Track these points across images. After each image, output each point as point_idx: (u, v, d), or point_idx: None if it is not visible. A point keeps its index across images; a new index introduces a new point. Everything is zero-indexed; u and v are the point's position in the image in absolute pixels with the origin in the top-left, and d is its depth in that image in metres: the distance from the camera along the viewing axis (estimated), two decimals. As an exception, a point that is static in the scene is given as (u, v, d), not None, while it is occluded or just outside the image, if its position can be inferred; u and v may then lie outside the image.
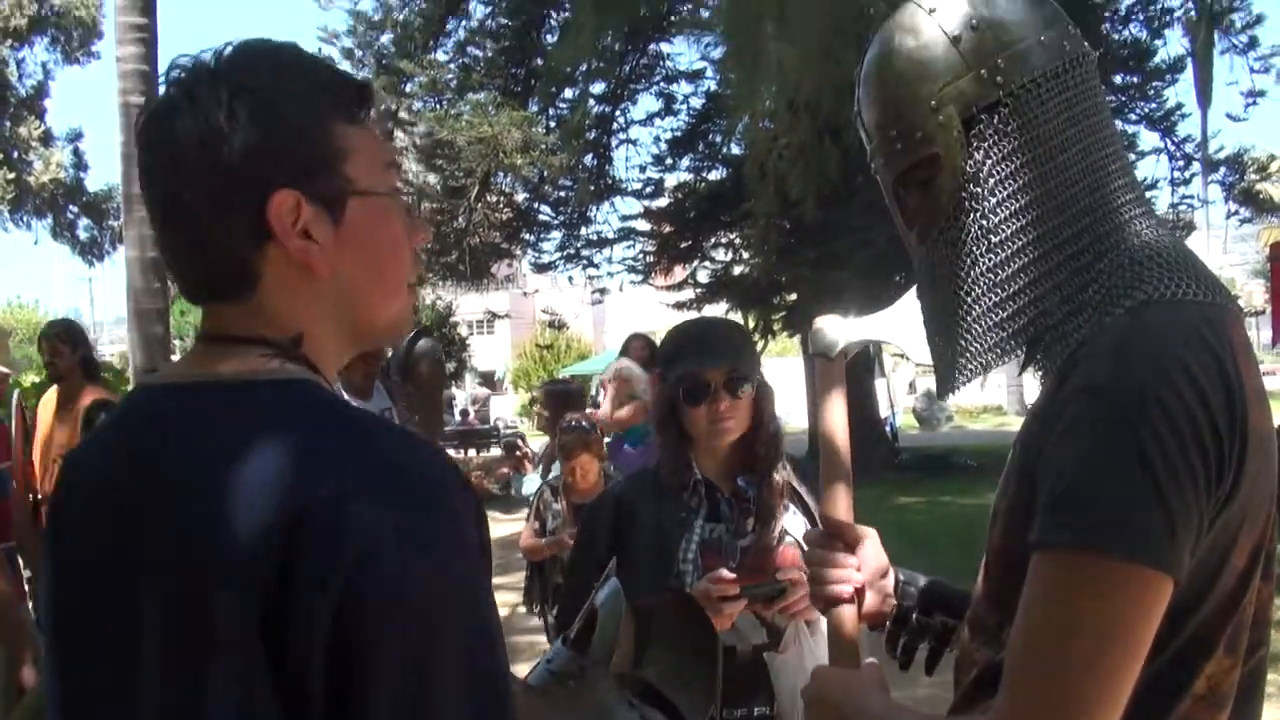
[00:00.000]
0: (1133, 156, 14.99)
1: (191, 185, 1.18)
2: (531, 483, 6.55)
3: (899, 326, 1.91)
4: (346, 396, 6.06)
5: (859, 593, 1.78)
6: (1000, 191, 1.42)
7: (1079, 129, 1.42)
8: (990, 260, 1.44)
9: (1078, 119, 1.42)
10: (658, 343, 8.55)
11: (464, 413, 24.27)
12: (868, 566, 1.80)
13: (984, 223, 1.43)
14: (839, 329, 1.95)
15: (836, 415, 1.92)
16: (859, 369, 16.27)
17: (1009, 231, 1.42)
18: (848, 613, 1.77)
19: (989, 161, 1.43)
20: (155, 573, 1.13)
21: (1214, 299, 1.32)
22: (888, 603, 1.79)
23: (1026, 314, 1.42)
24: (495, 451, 15.07)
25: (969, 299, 1.47)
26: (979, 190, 1.43)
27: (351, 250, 1.23)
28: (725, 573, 2.52)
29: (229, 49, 1.24)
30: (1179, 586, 1.23)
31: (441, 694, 1.06)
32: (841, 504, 1.86)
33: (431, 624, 1.07)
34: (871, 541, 1.82)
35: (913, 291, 1.87)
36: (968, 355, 1.49)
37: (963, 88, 1.43)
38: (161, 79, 1.25)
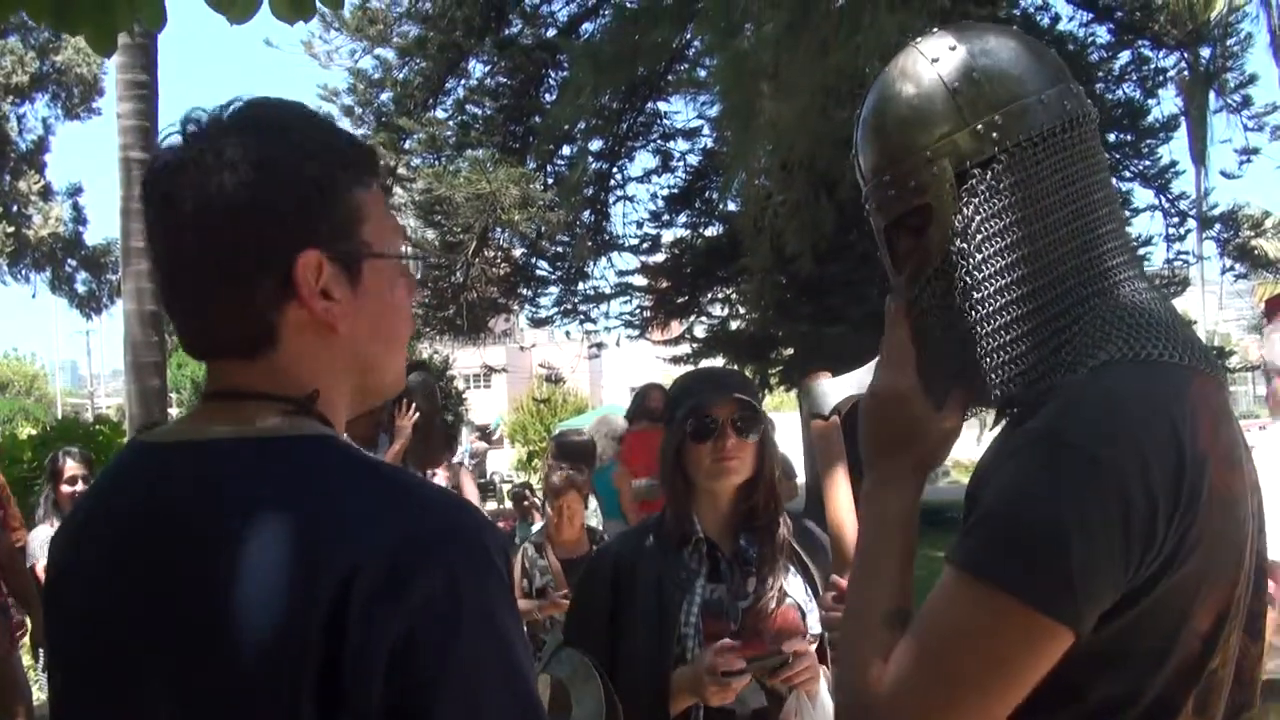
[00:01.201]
0: (1127, 214, 15.05)
1: (218, 244, 1.19)
2: (539, 533, 6.47)
3: None
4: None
5: None
6: (988, 248, 1.42)
7: (1072, 190, 1.41)
8: (974, 315, 1.43)
9: (1072, 180, 1.41)
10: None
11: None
12: None
13: (969, 279, 1.43)
14: (829, 388, 1.96)
15: (842, 495, 1.93)
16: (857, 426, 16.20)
17: (994, 288, 1.42)
18: None
19: (979, 217, 1.42)
20: (184, 631, 1.12)
21: (1184, 360, 1.31)
22: None
23: (1005, 371, 1.42)
24: (491, 505, 14.99)
25: (952, 349, 1.47)
26: (966, 245, 1.43)
27: (365, 311, 1.26)
28: (728, 641, 2.48)
29: (244, 107, 1.25)
30: (1102, 640, 1.23)
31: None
32: (846, 555, 1.86)
33: (483, 678, 1.09)
34: None
35: None
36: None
37: (958, 141, 1.43)
38: (172, 132, 1.24)
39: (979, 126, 1.41)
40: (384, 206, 1.32)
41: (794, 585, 2.68)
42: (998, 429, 1.50)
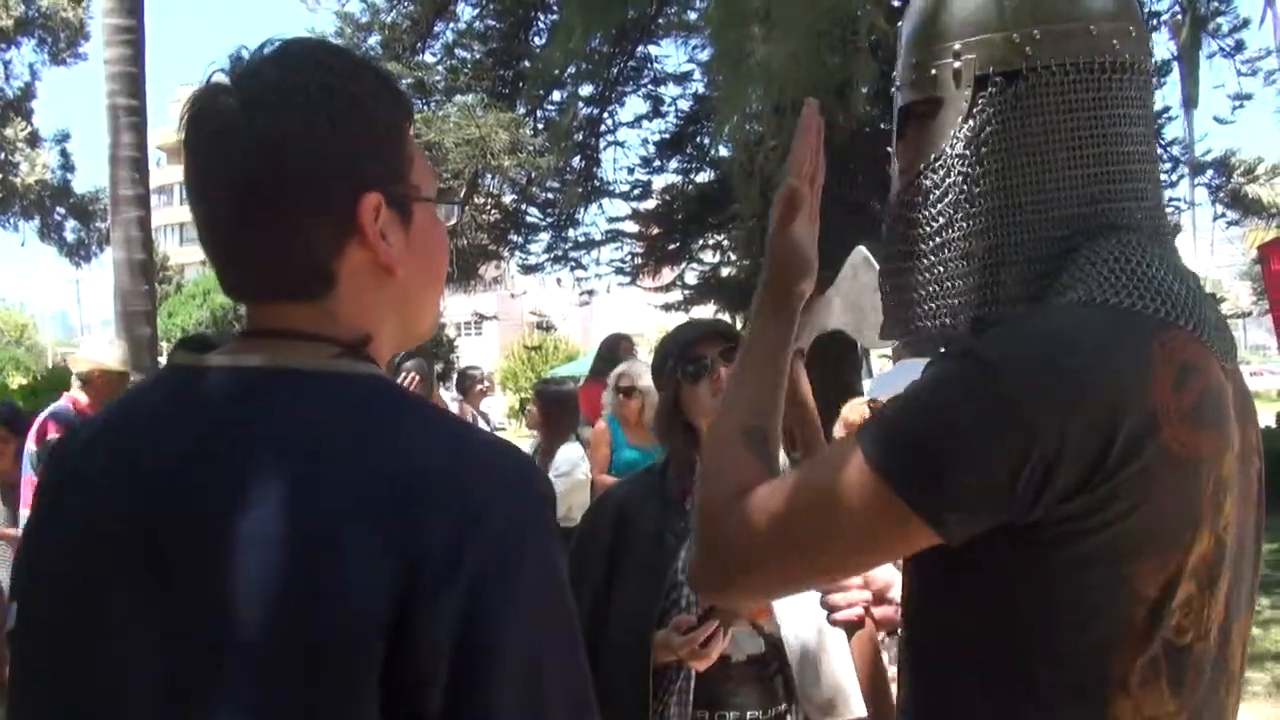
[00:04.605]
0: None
1: (281, 183, 1.16)
2: None
3: (845, 311, 1.91)
4: None
5: (868, 610, 1.80)
6: (988, 164, 1.37)
7: (1092, 134, 1.34)
8: (960, 229, 1.39)
9: (1096, 122, 1.34)
10: (637, 343, 8.42)
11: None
12: (873, 582, 1.80)
13: (962, 189, 1.38)
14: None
15: (802, 398, 1.94)
16: (845, 371, 16.24)
17: (983, 207, 1.37)
18: (864, 631, 1.81)
19: (987, 129, 1.37)
20: (232, 556, 1.06)
21: (1157, 312, 1.25)
22: (899, 611, 1.78)
23: (974, 295, 1.39)
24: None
25: (927, 254, 1.44)
26: (967, 153, 1.38)
27: (416, 254, 1.26)
28: (685, 618, 2.48)
29: (289, 45, 1.23)
30: (1044, 579, 1.23)
31: (553, 685, 1.09)
32: None
33: (546, 615, 1.10)
34: None
35: (851, 270, 1.87)
36: (909, 311, 1.48)
37: (991, 44, 1.36)
38: (216, 70, 1.20)
39: (1015, 36, 1.35)
40: (420, 150, 1.31)
41: None
42: None
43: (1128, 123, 1.36)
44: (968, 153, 1.38)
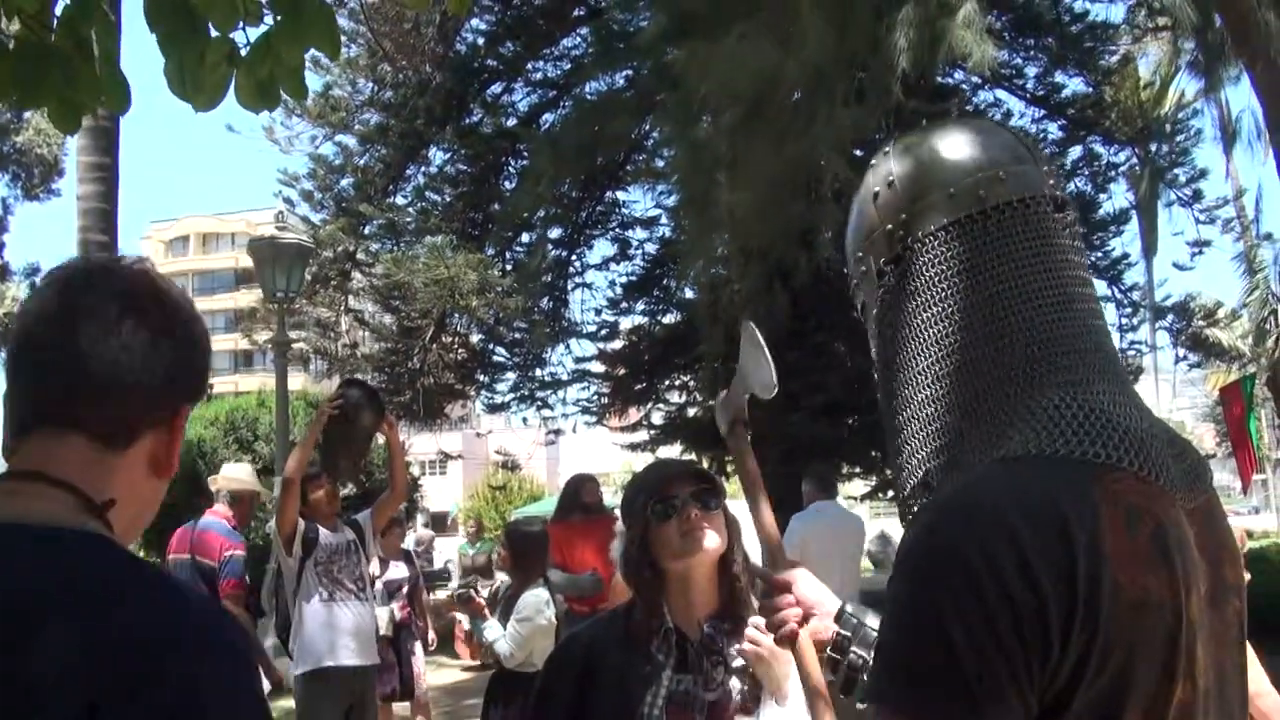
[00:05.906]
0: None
1: (162, 351, 1.32)
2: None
3: (751, 376, 2.10)
4: (316, 525, 6.06)
5: (801, 623, 1.87)
6: (903, 345, 1.42)
7: (980, 280, 1.35)
8: (896, 419, 1.43)
9: (977, 270, 1.35)
10: (603, 483, 8.37)
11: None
12: (805, 600, 1.86)
13: (890, 376, 1.44)
14: (721, 408, 2.22)
15: (750, 470, 2.18)
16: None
17: (906, 379, 1.41)
18: (804, 643, 1.87)
19: (889, 313, 1.44)
20: None
21: (1098, 456, 1.22)
22: (830, 629, 1.79)
23: (908, 467, 1.40)
24: (441, 595, 14.76)
25: (887, 432, 1.48)
26: (886, 335, 1.46)
27: (171, 468, 1.39)
28: None
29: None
30: None
31: None
32: (775, 556, 1.99)
33: None
34: (804, 579, 1.90)
35: (744, 340, 2.08)
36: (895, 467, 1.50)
37: (876, 241, 1.46)
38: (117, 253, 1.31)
39: (889, 226, 1.44)
40: None
41: None
42: None
43: (1015, 258, 1.36)
44: (884, 336, 1.47)
